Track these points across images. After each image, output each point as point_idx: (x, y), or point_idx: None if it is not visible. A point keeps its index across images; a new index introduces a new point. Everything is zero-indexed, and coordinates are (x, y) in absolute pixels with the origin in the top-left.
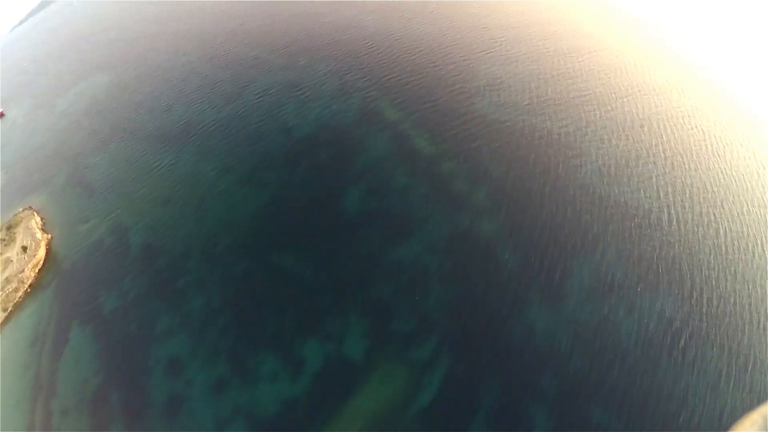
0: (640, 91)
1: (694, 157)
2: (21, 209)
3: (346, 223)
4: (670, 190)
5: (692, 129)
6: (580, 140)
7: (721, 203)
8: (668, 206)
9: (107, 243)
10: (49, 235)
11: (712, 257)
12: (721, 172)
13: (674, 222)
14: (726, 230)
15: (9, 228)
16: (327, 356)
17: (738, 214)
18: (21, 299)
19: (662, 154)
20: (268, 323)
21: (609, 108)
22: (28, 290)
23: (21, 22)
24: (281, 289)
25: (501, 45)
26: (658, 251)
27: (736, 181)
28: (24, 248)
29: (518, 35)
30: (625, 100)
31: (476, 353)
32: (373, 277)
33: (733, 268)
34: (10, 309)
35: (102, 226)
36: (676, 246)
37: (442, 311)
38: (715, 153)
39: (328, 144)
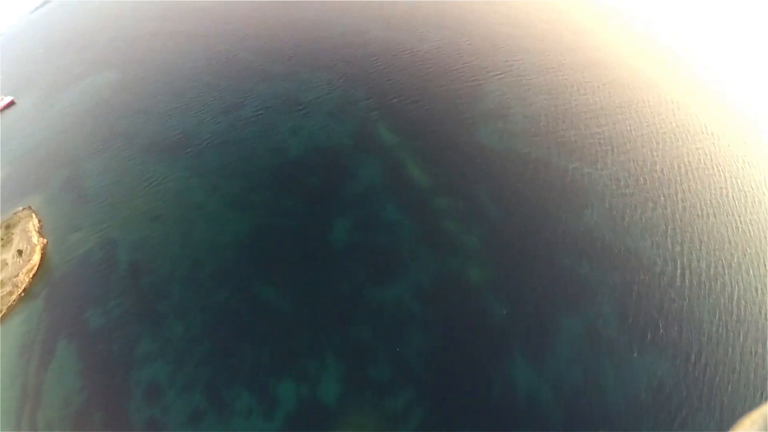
0: (662, 130)
1: (713, 204)
2: (21, 208)
3: (331, 256)
4: (681, 241)
5: (714, 173)
6: (591, 180)
7: (736, 259)
8: (677, 260)
9: (97, 256)
10: (45, 240)
11: (717, 319)
12: (740, 222)
13: (681, 277)
14: (736, 290)
15: (7, 227)
16: (301, 397)
17: (752, 273)
18: (15, 303)
19: (679, 202)
20: (246, 357)
21: (626, 147)
22: (22, 294)
23: (38, 8)
24: (261, 323)
25: (515, 69)
26: (660, 309)
27: (754, 234)
28: (20, 252)
29: (535, 61)
30: (644, 139)
31: (452, 407)
32: (353, 317)
33: (739, 333)
34: (4, 311)
35: (93, 238)
36: (681, 304)
37: (422, 360)
38: (735, 201)
39: (320, 168)
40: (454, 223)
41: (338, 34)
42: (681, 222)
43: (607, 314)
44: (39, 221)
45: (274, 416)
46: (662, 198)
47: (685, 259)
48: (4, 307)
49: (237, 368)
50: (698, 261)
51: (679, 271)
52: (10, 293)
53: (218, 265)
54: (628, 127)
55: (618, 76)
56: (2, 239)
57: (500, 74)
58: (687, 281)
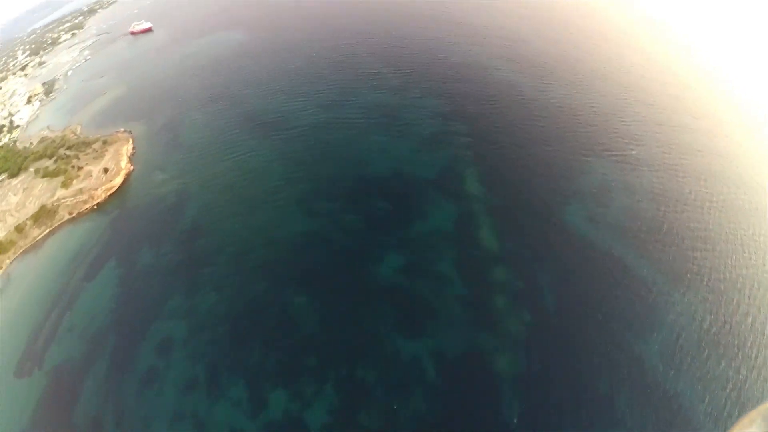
0: None
1: None
2: (122, 129)
3: (370, 288)
4: (738, 413)
5: None
6: (670, 307)
7: None
8: None
9: (169, 202)
10: (132, 167)
11: None
12: None
13: None
14: None
15: (104, 142)
16: (288, 411)
17: None
18: (85, 212)
19: (754, 367)
20: (255, 353)
21: (723, 284)
22: (94, 207)
23: None
24: (280, 327)
25: (634, 155)
26: None
27: None
28: (106, 169)
29: (657, 152)
30: (745, 278)
31: None
32: (366, 356)
33: None
34: (74, 215)
35: (172, 184)
36: None
37: (414, 427)
38: None
39: (394, 194)
40: (505, 300)
41: (465, 65)
42: (748, 390)
43: None
44: (133, 148)
45: (258, 417)
46: (740, 356)
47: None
48: (75, 212)
49: (243, 359)
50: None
51: None
52: (85, 202)
53: (265, 257)
54: (732, 261)
55: (741, 198)
56: (96, 151)
57: (615, 155)
58: None
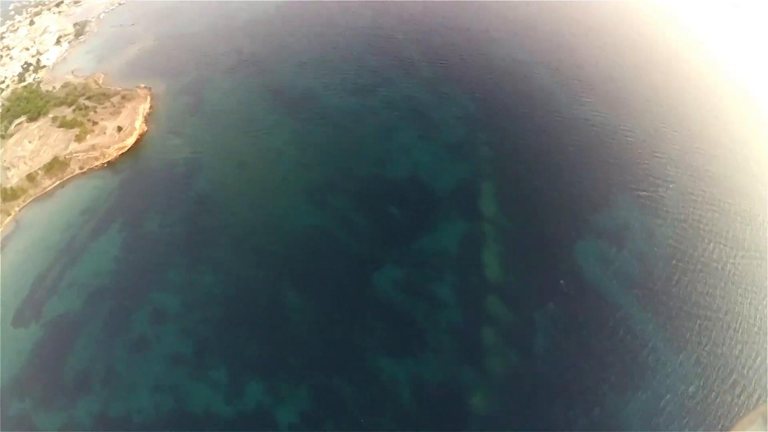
0: None
1: None
2: (143, 86)
3: (365, 298)
4: None
5: None
6: (668, 371)
7: None
8: None
9: (179, 171)
10: (146, 129)
11: None
12: None
13: None
14: None
15: (123, 97)
16: (261, 404)
17: None
18: (95, 169)
19: None
20: (241, 340)
21: (733, 348)
22: (105, 165)
23: None
24: (268, 320)
25: (659, 190)
26: None
27: None
28: (120, 128)
29: (687, 190)
30: None
31: None
32: (346, 367)
33: None
34: (85, 170)
35: (185, 152)
36: None
37: None
38: None
39: (406, 200)
40: (496, 335)
41: (506, 69)
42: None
43: None
44: (150, 107)
45: (232, 403)
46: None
47: None
48: (86, 167)
49: (229, 344)
50: None
51: None
52: (96, 159)
53: (267, 245)
54: (731, 334)
55: (763, 267)
56: (114, 106)
57: (641, 194)
58: None
